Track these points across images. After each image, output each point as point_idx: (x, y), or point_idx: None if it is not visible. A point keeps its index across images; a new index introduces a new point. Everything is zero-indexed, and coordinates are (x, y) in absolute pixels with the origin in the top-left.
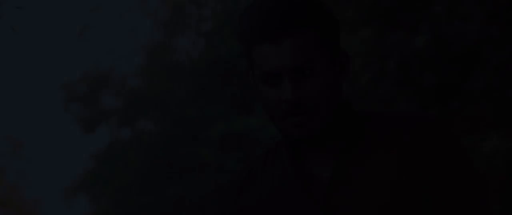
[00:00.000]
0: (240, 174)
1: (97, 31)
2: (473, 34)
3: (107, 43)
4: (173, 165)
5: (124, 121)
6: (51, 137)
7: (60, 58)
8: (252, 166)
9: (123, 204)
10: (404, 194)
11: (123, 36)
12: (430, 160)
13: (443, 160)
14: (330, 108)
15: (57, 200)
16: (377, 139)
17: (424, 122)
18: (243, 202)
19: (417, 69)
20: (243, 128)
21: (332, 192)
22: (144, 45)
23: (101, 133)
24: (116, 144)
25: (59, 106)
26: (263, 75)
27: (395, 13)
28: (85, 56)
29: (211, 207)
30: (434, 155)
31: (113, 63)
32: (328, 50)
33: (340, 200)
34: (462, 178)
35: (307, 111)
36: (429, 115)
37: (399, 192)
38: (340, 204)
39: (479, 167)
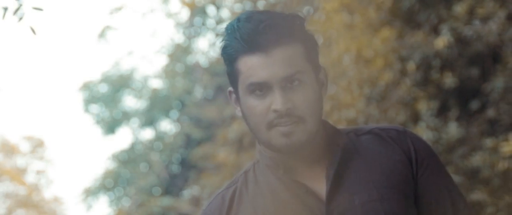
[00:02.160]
0: (223, 197)
1: (118, 32)
2: (494, 35)
3: (128, 44)
4: (191, 166)
5: (145, 122)
6: (72, 137)
7: (81, 59)
8: (235, 188)
9: (143, 205)
10: (391, 195)
11: (145, 37)
12: (413, 163)
13: (423, 162)
14: (316, 119)
15: (77, 201)
16: (360, 149)
17: (401, 131)
18: None
19: (438, 70)
20: None
21: (331, 196)
22: (165, 46)
23: (122, 134)
24: (137, 145)
25: (80, 107)
26: (251, 86)
27: (415, 14)
28: (106, 57)
29: None
30: (414, 158)
31: (134, 64)
32: (312, 65)
33: (337, 202)
34: (441, 177)
35: (295, 120)
36: (400, 126)
37: (387, 194)
38: (337, 203)
39: (500, 168)
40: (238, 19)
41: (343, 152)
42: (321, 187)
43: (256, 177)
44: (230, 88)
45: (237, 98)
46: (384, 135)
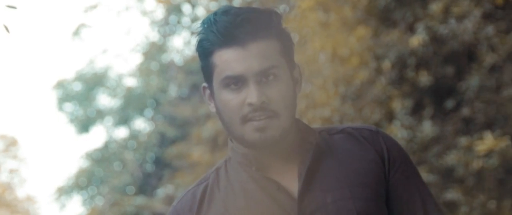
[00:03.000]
0: (194, 194)
1: (93, 30)
2: (469, 33)
3: (103, 42)
4: (165, 164)
5: (119, 120)
6: (46, 136)
7: (56, 57)
8: (206, 185)
9: (117, 204)
10: (364, 193)
11: (119, 35)
12: (385, 163)
13: (395, 162)
14: (290, 115)
15: (51, 200)
16: (333, 147)
17: (374, 131)
18: None
19: (413, 68)
20: None
21: (303, 194)
22: (140, 45)
23: (96, 132)
24: (111, 143)
25: (54, 105)
26: (226, 79)
27: (391, 12)
28: (80, 55)
29: None
30: (387, 158)
31: (108, 63)
32: (287, 61)
33: (309, 200)
34: (412, 178)
35: (269, 115)
36: (373, 126)
37: (359, 192)
38: (309, 201)
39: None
40: (215, 13)
41: (315, 150)
42: (293, 185)
43: (227, 174)
44: (204, 84)
45: (211, 94)
46: (357, 134)
